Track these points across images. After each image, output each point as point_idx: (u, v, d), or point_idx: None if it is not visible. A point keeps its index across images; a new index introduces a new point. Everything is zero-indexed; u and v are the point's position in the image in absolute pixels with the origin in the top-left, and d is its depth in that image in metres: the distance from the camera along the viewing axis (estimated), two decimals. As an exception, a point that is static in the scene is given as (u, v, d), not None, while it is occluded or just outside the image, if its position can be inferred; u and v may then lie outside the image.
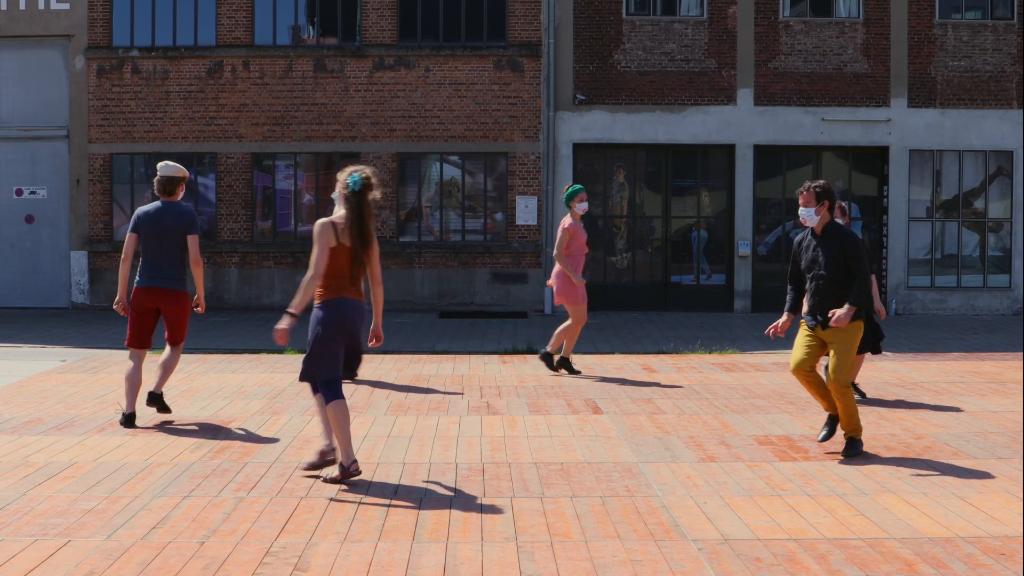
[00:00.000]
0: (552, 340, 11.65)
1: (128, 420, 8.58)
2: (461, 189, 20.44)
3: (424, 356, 13.31)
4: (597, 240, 20.45)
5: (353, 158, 20.17)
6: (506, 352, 13.69)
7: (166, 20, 20.24)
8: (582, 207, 11.52)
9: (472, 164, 20.33)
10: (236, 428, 8.62)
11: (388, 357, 13.17)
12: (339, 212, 6.86)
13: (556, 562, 5.25)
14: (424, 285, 20.03)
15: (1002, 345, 15.01)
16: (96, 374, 11.60)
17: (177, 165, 8.83)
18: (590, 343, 14.83)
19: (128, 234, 8.69)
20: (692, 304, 19.96)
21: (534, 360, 12.79)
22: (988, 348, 14.61)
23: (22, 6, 20.07)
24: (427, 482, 6.84)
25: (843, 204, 9.47)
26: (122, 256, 8.65)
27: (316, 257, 6.65)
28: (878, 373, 11.75)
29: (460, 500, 6.40)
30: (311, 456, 7.16)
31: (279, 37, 20.34)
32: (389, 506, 6.26)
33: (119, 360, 12.73)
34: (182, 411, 9.30)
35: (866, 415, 9.23)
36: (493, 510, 6.18)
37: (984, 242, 20.40)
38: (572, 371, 11.67)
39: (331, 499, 6.41)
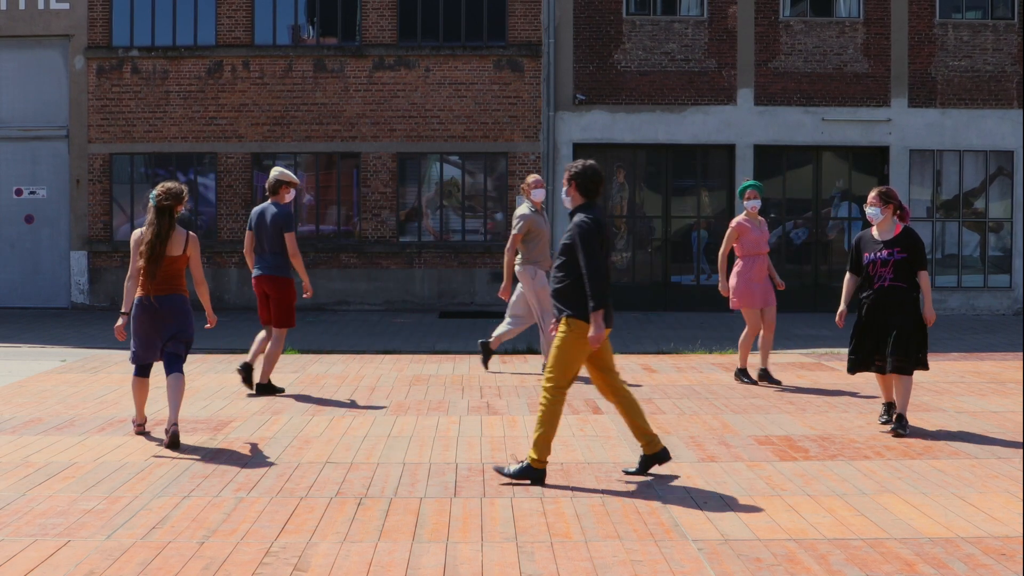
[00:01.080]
0: (739, 354, 11.10)
1: (246, 372, 10.11)
2: (461, 189, 20.44)
3: (424, 356, 13.31)
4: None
5: (353, 158, 20.19)
6: (506, 352, 13.68)
7: (166, 20, 20.24)
8: (749, 204, 10.85)
9: (472, 164, 20.33)
10: (236, 427, 8.62)
11: (388, 357, 13.17)
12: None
13: (556, 562, 5.24)
14: (424, 285, 20.03)
15: (1002, 345, 15.01)
16: (96, 374, 11.60)
17: (285, 171, 10.23)
18: (590, 343, 14.81)
19: (247, 231, 10.20)
20: (692, 304, 19.96)
21: (534, 360, 12.79)
22: (988, 348, 14.61)
23: (22, 6, 20.08)
24: (427, 482, 6.84)
25: (905, 205, 8.65)
26: (244, 250, 10.31)
27: (131, 261, 8.02)
28: (878, 373, 11.75)
29: (460, 500, 6.40)
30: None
31: (279, 37, 20.34)
32: (389, 506, 6.25)
33: (119, 360, 12.73)
34: (182, 411, 9.29)
35: (867, 415, 9.24)
36: (493, 510, 6.17)
37: (984, 242, 20.40)
38: (768, 380, 10.94)
39: (331, 499, 6.41)
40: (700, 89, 19.95)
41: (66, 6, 20.06)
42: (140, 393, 8.16)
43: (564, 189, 6.97)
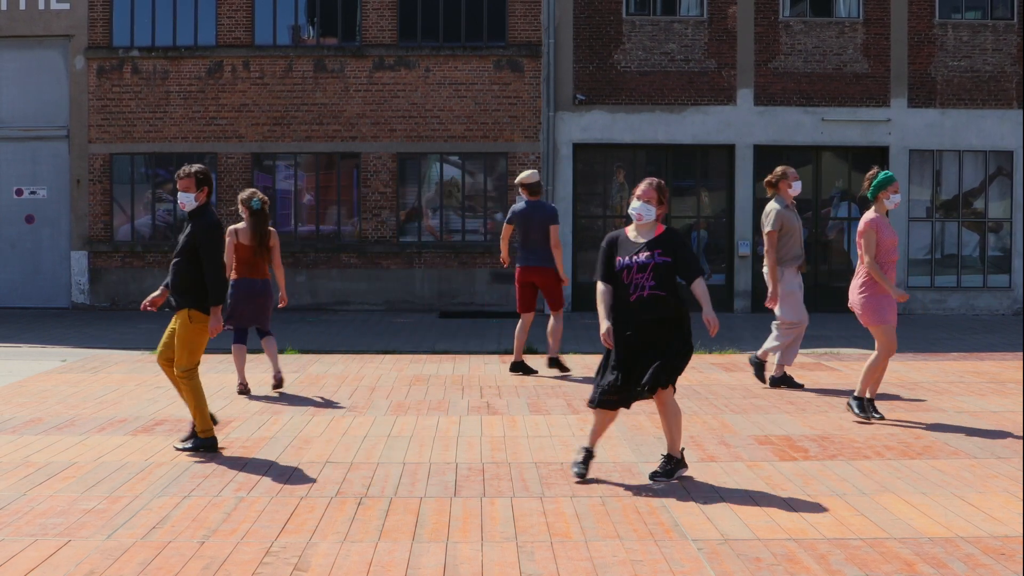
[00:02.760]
0: (859, 386, 9.00)
1: (516, 366, 11.59)
2: (461, 189, 20.44)
3: (424, 356, 13.31)
4: (598, 240, 20.45)
5: (353, 158, 20.19)
6: (506, 352, 13.68)
7: (166, 20, 20.25)
8: (894, 200, 8.97)
9: (472, 164, 20.34)
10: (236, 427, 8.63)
11: (388, 357, 13.18)
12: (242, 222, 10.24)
13: (556, 562, 5.25)
14: (424, 285, 20.04)
15: (1001, 345, 15.01)
16: (96, 374, 11.61)
17: (534, 171, 11.42)
18: (590, 343, 14.82)
19: (505, 225, 11.69)
20: (692, 304, 19.92)
21: (534, 360, 12.78)
22: (987, 348, 14.61)
23: (22, 6, 20.08)
24: (427, 482, 6.84)
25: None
26: (502, 236, 11.73)
27: (226, 252, 9.18)
28: (878, 373, 11.75)
29: (460, 500, 6.40)
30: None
31: (279, 37, 20.35)
32: (389, 506, 6.26)
33: (119, 360, 12.74)
34: (182, 411, 9.30)
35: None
36: (493, 510, 6.18)
37: (984, 242, 20.40)
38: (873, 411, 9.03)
39: (331, 499, 6.42)
40: (700, 89, 19.95)
41: (66, 6, 20.06)
42: (239, 357, 10.28)
43: (192, 195, 7.68)
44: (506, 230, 11.72)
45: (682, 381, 11.13)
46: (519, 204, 11.55)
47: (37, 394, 10.23)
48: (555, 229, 11.31)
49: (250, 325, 10.25)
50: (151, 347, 14.10)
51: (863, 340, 15.39)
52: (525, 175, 11.45)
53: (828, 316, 18.88)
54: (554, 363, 11.66)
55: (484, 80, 20.05)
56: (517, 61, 20.03)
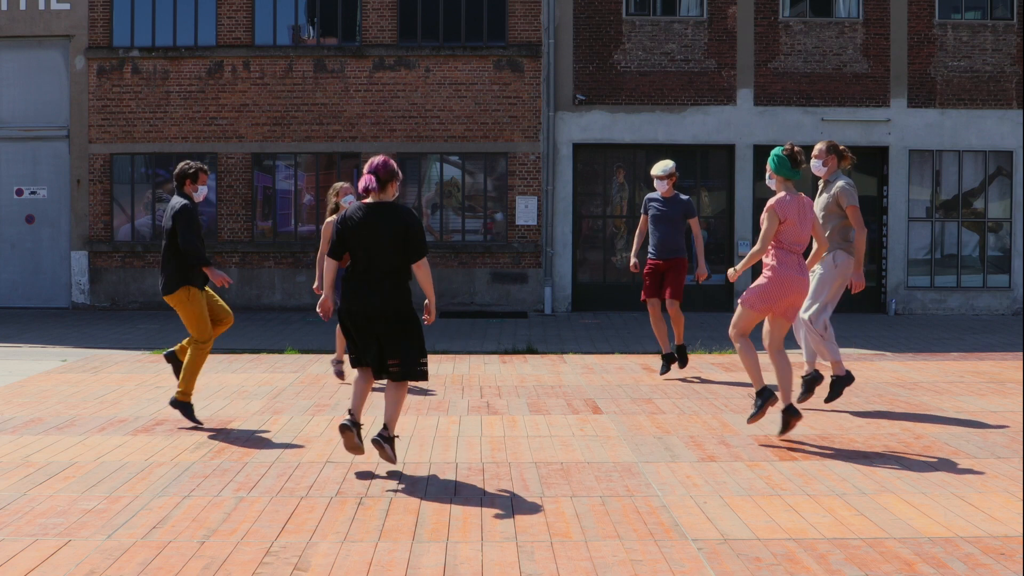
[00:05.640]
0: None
1: (668, 359, 11.32)
2: (461, 189, 20.45)
3: (424, 356, 13.28)
4: (598, 240, 20.45)
5: (353, 158, 20.19)
6: (506, 352, 13.69)
7: (166, 20, 20.25)
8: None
9: (472, 164, 20.34)
10: (236, 427, 8.63)
11: (388, 357, 13.15)
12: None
13: (556, 562, 5.25)
14: (424, 285, 20.01)
15: (1001, 345, 15.01)
16: (96, 374, 11.61)
17: (666, 163, 11.14)
18: (590, 343, 14.82)
19: (642, 215, 11.33)
20: (692, 304, 19.94)
21: (534, 360, 12.79)
22: (987, 348, 14.61)
23: (22, 6, 20.09)
24: (427, 482, 6.84)
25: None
26: (637, 231, 11.48)
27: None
28: (878, 373, 11.76)
29: (460, 500, 6.40)
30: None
31: (279, 37, 20.35)
32: (389, 506, 6.26)
33: (119, 360, 12.74)
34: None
35: (866, 415, 9.23)
36: (493, 510, 6.18)
37: (984, 242, 20.40)
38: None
39: (331, 499, 6.42)
40: (700, 89, 19.96)
41: (67, 6, 20.07)
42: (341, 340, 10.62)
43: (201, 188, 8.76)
44: (643, 221, 11.39)
45: (682, 381, 11.16)
46: (655, 194, 11.21)
47: (37, 394, 10.23)
48: (694, 221, 11.32)
49: None
50: (151, 347, 14.12)
51: (861, 339, 15.40)
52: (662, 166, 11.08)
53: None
54: (679, 350, 11.28)
55: (484, 80, 20.05)
56: (517, 61, 20.03)
